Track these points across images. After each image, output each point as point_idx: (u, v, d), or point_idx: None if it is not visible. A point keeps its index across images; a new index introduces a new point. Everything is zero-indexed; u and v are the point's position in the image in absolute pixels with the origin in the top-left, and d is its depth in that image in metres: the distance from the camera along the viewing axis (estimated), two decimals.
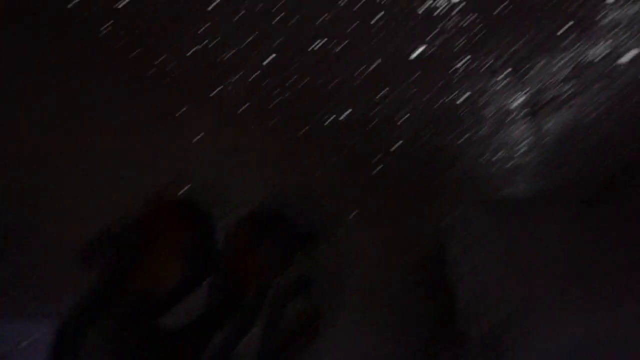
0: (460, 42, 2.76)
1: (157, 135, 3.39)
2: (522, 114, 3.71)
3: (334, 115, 3.73)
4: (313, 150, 4.28)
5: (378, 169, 4.71)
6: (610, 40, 2.81)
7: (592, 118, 3.94)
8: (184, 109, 3.44)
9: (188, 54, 2.72)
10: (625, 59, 3.01)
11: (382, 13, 2.48)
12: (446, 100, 3.40)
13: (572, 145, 4.54)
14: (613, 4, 2.46)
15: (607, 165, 5.26)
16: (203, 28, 2.49)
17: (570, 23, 2.64)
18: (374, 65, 3.04)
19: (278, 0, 2.37)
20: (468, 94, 3.33)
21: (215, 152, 3.70)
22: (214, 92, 3.30)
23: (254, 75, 3.11)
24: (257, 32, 2.67)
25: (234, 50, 2.86)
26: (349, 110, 3.66)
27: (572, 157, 4.93)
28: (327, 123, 3.83)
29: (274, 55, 2.88)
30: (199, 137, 3.52)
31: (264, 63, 2.95)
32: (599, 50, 2.91)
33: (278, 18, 2.45)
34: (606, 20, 2.62)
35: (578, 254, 6.42)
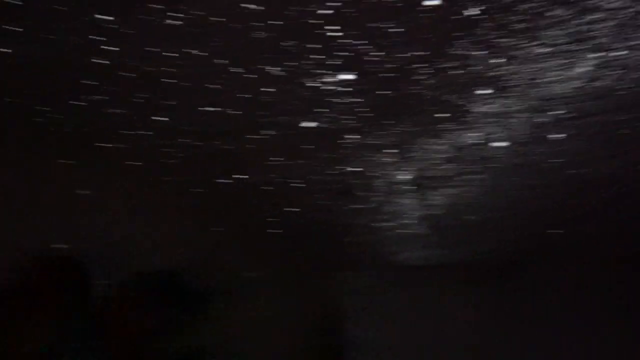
0: (350, 120, 2.88)
1: (39, 189, 3.22)
2: (409, 188, 3.89)
3: (229, 179, 3.73)
4: (206, 212, 4.22)
5: (273, 233, 4.70)
6: (484, 128, 3.03)
7: (474, 195, 4.19)
8: (71, 162, 3.31)
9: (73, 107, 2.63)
10: (498, 143, 3.25)
11: (275, 88, 2.54)
12: (337, 170, 3.52)
13: (456, 220, 4.79)
14: (486, 95, 2.67)
15: (488, 240, 5.58)
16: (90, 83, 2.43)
17: (448, 111, 2.83)
18: (267, 133, 3.08)
19: (171, 64, 2.37)
20: (357, 167, 3.47)
21: (102, 210, 3.56)
22: (104, 148, 3.21)
23: (145, 133, 3.05)
24: (150, 92, 2.64)
25: (126, 108, 2.80)
26: (244, 175, 3.68)
27: (457, 231, 5.19)
28: (222, 186, 3.82)
29: (167, 115, 2.85)
30: (85, 193, 3.39)
31: (157, 122, 2.90)
32: (474, 136, 3.13)
33: (170, 81, 2.44)
34: (480, 110, 2.83)
35: (468, 325, 6.69)
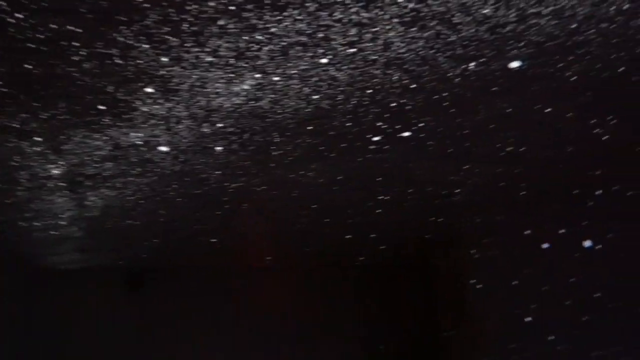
0: None
1: None
2: (60, 185, 3.40)
3: None
4: None
5: None
6: (148, 129, 2.81)
7: (135, 199, 3.92)
8: None
9: None
10: (162, 148, 3.07)
11: None
12: None
13: (115, 223, 4.43)
14: (152, 95, 2.46)
15: (146, 245, 5.35)
16: None
17: (109, 105, 2.52)
18: None
19: None
20: None
21: None
22: None
23: None
24: None
25: None
26: None
27: (116, 235, 4.82)
28: None
29: None
30: None
31: None
32: (137, 136, 2.88)
33: None
34: (144, 110, 2.60)
35: (125, 329, 6.32)
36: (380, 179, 3.86)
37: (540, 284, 4.70)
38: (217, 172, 3.50)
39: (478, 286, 5.59)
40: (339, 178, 3.77)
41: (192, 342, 6.42)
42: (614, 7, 2.02)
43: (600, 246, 4.16)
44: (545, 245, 4.69)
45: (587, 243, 4.26)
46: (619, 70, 2.51)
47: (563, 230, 4.51)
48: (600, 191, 4.13)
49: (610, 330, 3.99)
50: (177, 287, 6.47)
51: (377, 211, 4.72)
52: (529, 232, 4.87)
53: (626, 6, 2.02)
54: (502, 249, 5.23)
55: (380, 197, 4.33)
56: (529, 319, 4.84)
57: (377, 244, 6.17)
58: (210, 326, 6.61)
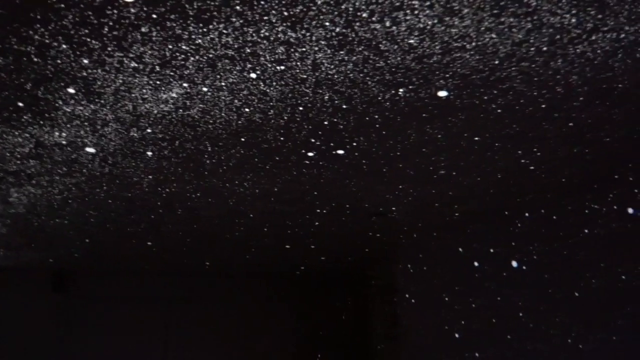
0: None
1: None
2: None
3: None
4: None
5: None
6: (72, 130, 2.69)
7: (63, 198, 3.75)
8: None
9: None
10: (90, 149, 2.95)
11: None
12: None
13: (43, 222, 4.24)
14: (75, 96, 2.35)
15: (69, 245, 5.15)
16: None
17: (31, 103, 2.40)
18: None
19: None
20: None
21: None
22: None
23: None
24: None
25: None
26: None
27: (44, 234, 4.62)
28: None
29: None
30: None
31: None
32: (62, 136, 2.75)
33: None
34: (69, 110, 2.48)
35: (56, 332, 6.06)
36: (316, 193, 3.84)
37: (469, 301, 4.78)
38: (149, 177, 3.39)
39: (412, 300, 5.64)
40: (275, 190, 3.73)
41: (118, 348, 6.21)
42: (533, 48, 2.06)
43: (524, 267, 4.26)
44: (476, 264, 4.77)
45: (514, 263, 4.37)
46: (541, 107, 2.57)
47: (492, 250, 4.60)
48: (527, 214, 4.24)
49: (533, 350, 4.09)
50: (109, 289, 6.26)
51: (316, 223, 4.70)
52: (460, 250, 4.94)
53: (545, 48, 2.06)
54: (436, 265, 5.29)
55: (317, 211, 4.31)
56: (457, 335, 4.91)
57: (317, 254, 6.15)
58: (141, 331, 6.42)
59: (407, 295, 5.65)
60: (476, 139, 2.93)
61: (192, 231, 4.78)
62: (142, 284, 6.51)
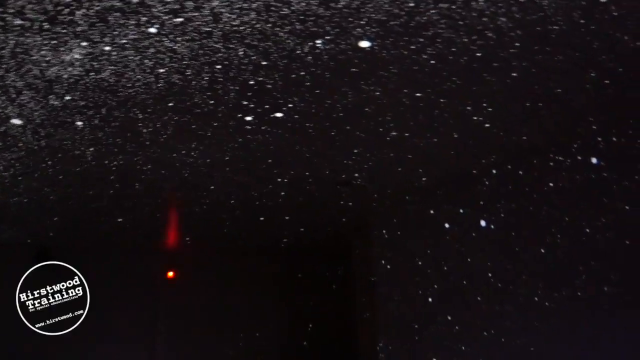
0: None
1: None
2: None
3: None
4: None
5: None
6: None
7: (11, 175, 3.62)
8: None
9: None
10: (17, 121, 2.80)
11: None
12: None
13: (2, 200, 4.12)
14: None
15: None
16: None
17: None
18: None
19: None
20: None
21: None
22: None
23: None
24: None
25: None
26: None
27: (4, 211, 4.50)
28: None
29: None
30: None
31: None
32: None
33: None
34: None
35: None
36: (270, 161, 3.67)
37: (442, 264, 4.62)
38: (90, 149, 3.24)
39: (388, 267, 5.49)
40: (226, 159, 3.56)
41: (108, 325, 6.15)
42: None
43: (492, 226, 4.09)
44: (446, 225, 4.60)
45: (483, 222, 4.20)
46: (477, 55, 2.36)
47: (461, 210, 4.42)
48: (494, 171, 4.05)
49: (501, 311, 3.94)
50: (94, 266, 6.16)
51: (281, 193, 4.54)
52: (432, 212, 4.77)
53: None
54: (409, 230, 5.12)
55: (278, 180, 4.14)
56: (431, 299, 4.77)
57: (295, 226, 6.01)
58: (129, 308, 6.36)
59: (383, 262, 5.50)
60: (418, 94, 2.73)
61: (158, 205, 4.64)
62: (126, 261, 6.43)
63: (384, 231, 5.47)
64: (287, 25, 2.05)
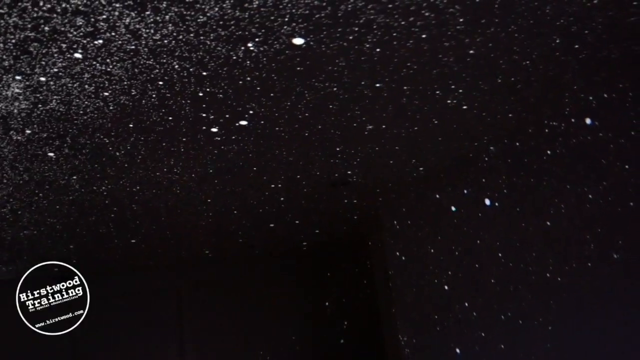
0: None
1: None
2: None
3: None
4: None
5: None
6: None
7: (10, 210, 3.67)
8: None
9: None
10: None
11: None
12: None
13: (12, 234, 4.19)
14: None
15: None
16: None
17: None
18: None
19: None
20: None
21: None
22: None
23: None
24: None
25: None
26: None
27: (16, 246, 4.57)
28: None
29: None
30: None
31: None
32: None
33: None
34: None
35: None
36: (255, 169, 3.59)
37: (452, 249, 4.43)
38: (73, 178, 3.24)
39: (402, 258, 5.32)
40: (210, 172, 3.51)
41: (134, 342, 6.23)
42: None
43: (497, 204, 3.88)
44: (453, 208, 4.41)
45: (487, 201, 3.99)
46: (422, 37, 2.21)
47: (465, 191, 4.22)
48: (492, 148, 3.84)
49: (515, 293, 3.74)
50: (116, 286, 6.25)
51: (281, 199, 4.46)
52: (438, 196, 4.58)
53: None
54: (418, 218, 4.95)
55: (272, 186, 4.06)
56: (447, 287, 4.59)
57: (309, 229, 5.92)
58: (154, 324, 6.41)
59: (397, 253, 5.34)
60: (377, 85, 2.59)
61: (164, 224, 4.64)
62: (150, 278, 6.49)
63: (395, 222, 5.31)
64: (209, 32, 1.96)
